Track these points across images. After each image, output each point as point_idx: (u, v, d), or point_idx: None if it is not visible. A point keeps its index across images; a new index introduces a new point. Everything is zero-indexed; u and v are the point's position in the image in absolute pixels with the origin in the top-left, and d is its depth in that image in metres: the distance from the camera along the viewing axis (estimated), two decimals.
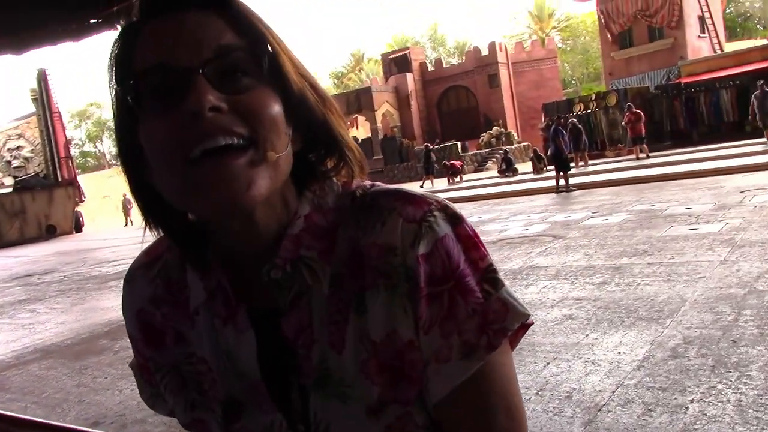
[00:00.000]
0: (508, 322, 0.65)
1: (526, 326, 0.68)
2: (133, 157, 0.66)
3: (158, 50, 0.61)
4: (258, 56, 0.62)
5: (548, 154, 15.53)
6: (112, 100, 0.66)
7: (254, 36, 0.63)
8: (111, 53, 0.65)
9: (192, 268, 0.72)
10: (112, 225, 31.84)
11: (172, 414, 0.80)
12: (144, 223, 0.71)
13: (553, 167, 14.71)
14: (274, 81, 0.64)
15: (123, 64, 0.63)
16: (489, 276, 0.66)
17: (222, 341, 0.70)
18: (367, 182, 0.73)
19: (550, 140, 14.11)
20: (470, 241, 0.67)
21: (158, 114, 0.60)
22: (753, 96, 17.25)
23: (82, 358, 5.70)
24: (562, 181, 13.89)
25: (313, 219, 0.69)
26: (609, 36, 35.16)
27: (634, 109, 19.61)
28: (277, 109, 0.63)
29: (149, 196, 0.68)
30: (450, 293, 0.64)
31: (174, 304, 0.75)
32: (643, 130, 19.22)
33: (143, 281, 0.78)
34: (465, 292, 0.65)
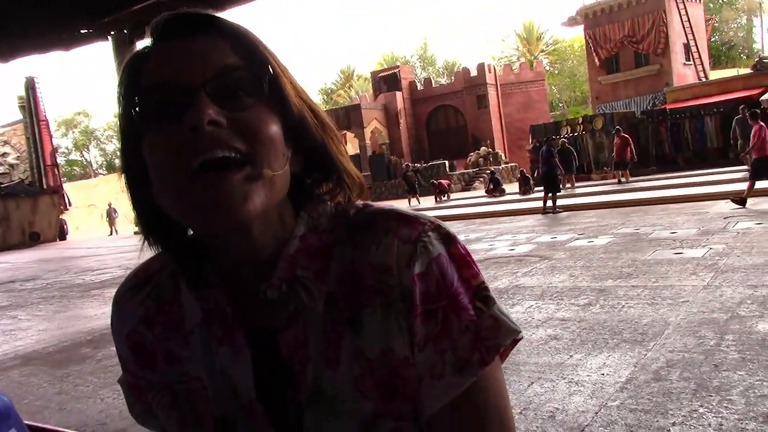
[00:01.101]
0: (500, 339, 0.68)
1: (515, 341, 0.70)
2: (136, 175, 0.68)
3: (164, 70, 0.63)
4: (259, 77, 0.65)
5: (539, 174, 15.56)
6: (119, 118, 0.69)
7: (256, 58, 0.66)
8: (120, 75, 0.68)
9: (188, 288, 0.73)
10: (97, 234, 31.55)
11: (164, 431, 0.80)
12: (144, 241, 0.72)
13: (541, 188, 14.78)
14: (274, 102, 0.66)
15: (130, 85, 0.66)
16: (481, 294, 0.69)
17: (217, 361, 0.71)
18: (360, 202, 0.75)
19: (542, 160, 14.09)
20: (463, 260, 0.69)
21: (161, 130, 0.63)
22: (734, 120, 17.58)
23: (64, 365, 5.64)
24: (549, 203, 13.97)
25: (308, 240, 0.71)
26: (596, 60, 35.70)
27: (622, 134, 19.85)
28: (275, 128, 0.65)
29: (151, 215, 0.69)
30: (444, 311, 0.66)
31: (166, 325, 0.76)
32: (629, 155, 19.42)
33: (132, 303, 0.78)
34: (458, 310, 0.67)
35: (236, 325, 0.70)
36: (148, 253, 0.77)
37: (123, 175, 0.70)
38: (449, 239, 0.69)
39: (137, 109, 0.64)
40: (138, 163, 0.66)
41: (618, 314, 5.08)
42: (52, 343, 6.66)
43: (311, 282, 0.69)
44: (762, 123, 10.79)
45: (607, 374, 3.79)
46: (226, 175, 0.61)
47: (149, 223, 0.71)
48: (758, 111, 11.95)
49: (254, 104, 0.64)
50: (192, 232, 0.73)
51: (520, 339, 0.71)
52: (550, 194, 13.88)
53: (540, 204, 14.48)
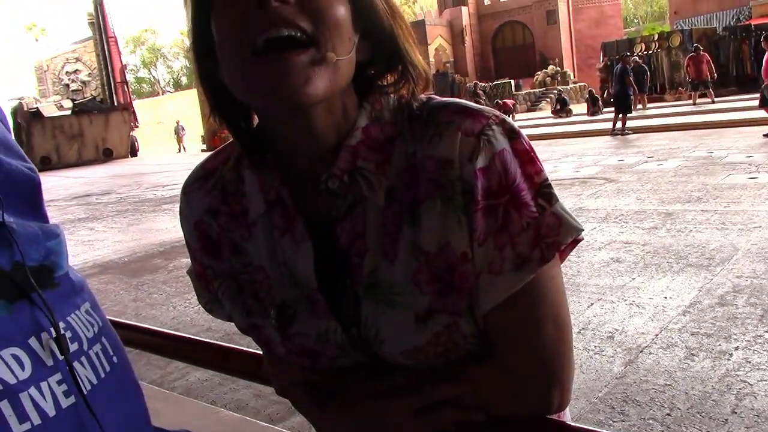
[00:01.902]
0: (561, 236, 0.66)
1: (575, 241, 0.69)
2: (204, 52, 0.67)
3: None
4: None
5: (608, 94, 14.90)
6: None
7: None
8: None
9: (251, 170, 0.74)
10: (166, 151, 32.53)
11: (229, 319, 0.83)
12: (210, 116, 0.72)
13: (610, 109, 14.23)
14: None
15: None
16: (544, 191, 0.67)
17: (279, 251, 0.73)
18: (424, 96, 0.72)
19: (616, 79, 13.50)
20: (527, 156, 0.67)
21: (228, 4, 0.62)
22: None
23: (139, 275, 5.97)
24: (619, 124, 13.48)
25: (370, 131, 0.70)
26: None
27: (702, 51, 18.68)
28: (342, 11, 0.63)
29: (218, 92, 0.69)
30: (505, 207, 0.65)
31: (231, 215, 0.77)
32: (706, 74, 18.31)
33: (200, 193, 0.80)
34: (520, 206, 0.65)
35: (297, 216, 0.71)
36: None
37: (191, 51, 0.70)
38: (513, 134, 0.67)
39: None
40: (207, 39, 0.65)
41: (685, 239, 4.96)
42: (127, 254, 7.03)
43: (372, 174, 0.68)
44: None
45: (670, 298, 3.74)
46: (289, 55, 0.60)
47: (215, 100, 0.71)
48: None
49: None
50: (257, 121, 0.73)
51: (581, 240, 0.69)
52: (620, 115, 13.37)
53: (609, 125, 14.00)
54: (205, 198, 0.79)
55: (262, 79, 0.61)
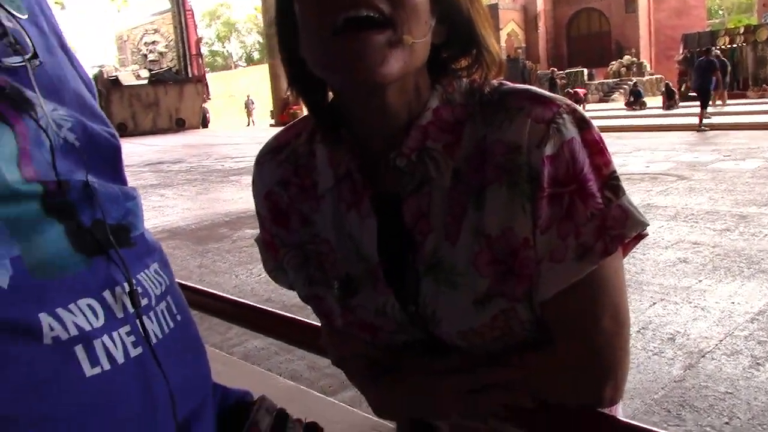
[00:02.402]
0: (626, 229, 0.66)
1: (640, 236, 0.68)
2: (287, 28, 0.70)
3: None
4: None
5: (686, 88, 14.37)
6: None
7: None
8: None
9: (324, 144, 0.77)
10: (235, 124, 33.23)
11: (291, 288, 0.86)
12: (287, 90, 0.76)
13: (689, 103, 13.69)
14: None
15: None
16: (612, 183, 0.67)
17: (346, 225, 0.75)
18: (496, 81, 0.73)
19: (702, 72, 13.08)
20: (596, 147, 0.67)
21: None
22: None
23: (204, 242, 6.16)
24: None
25: (441, 113, 0.71)
26: None
27: None
28: None
29: (297, 67, 0.72)
30: (571, 196, 0.65)
31: (301, 188, 0.80)
32: None
33: (272, 165, 0.83)
34: (586, 196, 0.65)
35: (364, 191, 0.73)
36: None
37: (275, 26, 0.73)
38: (584, 123, 0.67)
39: None
40: (290, 16, 0.68)
41: (758, 243, 4.76)
42: (195, 222, 7.26)
43: (440, 154, 0.70)
44: None
45: (738, 303, 3.61)
46: (367, 35, 0.62)
47: (294, 75, 0.74)
48: None
49: None
50: (332, 98, 0.76)
51: (646, 235, 0.69)
52: (703, 110, 12.88)
53: (685, 120, 13.47)
54: (276, 169, 0.82)
55: (340, 57, 0.63)
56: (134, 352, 0.55)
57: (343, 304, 0.77)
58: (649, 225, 0.68)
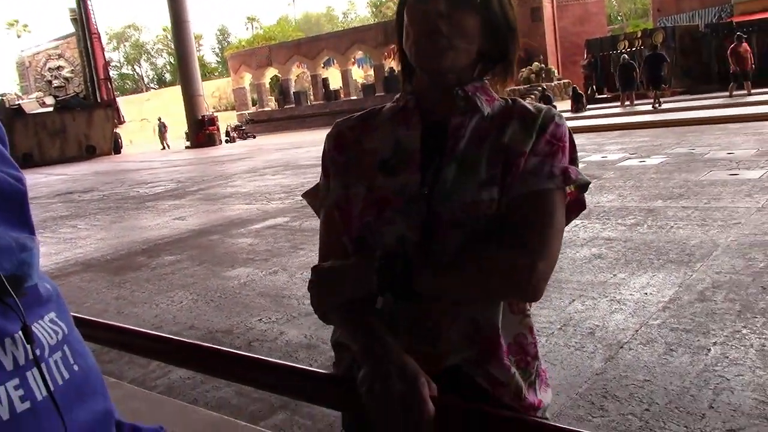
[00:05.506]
0: (578, 177, 1.04)
1: (580, 207, 1.09)
2: (399, 31, 1.09)
3: None
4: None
5: (592, 91, 15.91)
6: None
7: None
8: None
9: (392, 105, 1.14)
10: (149, 148, 32.25)
11: (317, 210, 1.17)
12: (399, 72, 1.18)
13: (599, 105, 14.60)
14: (480, 9, 1.04)
15: None
16: (574, 157, 1.08)
17: (395, 134, 1.10)
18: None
19: (651, 64, 16.68)
20: (572, 142, 1.08)
21: (419, 2, 1.03)
22: None
23: (121, 273, 5.93)
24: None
25: (478, 86, 1.11)
26: None
27: (744, 41, 18.09)
28: (472, 23, 1.03)
29: (403, 54, 1.11)
30: (557, 146, 1.04)
31: (364, 128, 1.15)
32: (750, 65, 17.78)
33: (347, 122, 1.18)
34: (564, 152, 1.05)
35: (416, 112, 1.10)
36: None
37: (396, 31, 1.11)
38: (568, 128, 1.09)
39: None
40: (401, 24, 1.08)
41: (666, 235, 5.01)
42: (110, 252, 6.98)
43: (482, 101, 1.09)
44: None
45: (650, 294, 3.78)
46: (437, 38, 1.03)
47: (401, 59, 1.14)
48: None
49: (467, 8, 1.03)
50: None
51: (584, 209, 1.11)
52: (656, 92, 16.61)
53: (592, 122, 14.06)
54: (348, 122, 1.18)
55: (423, 52, 1.04)
56: (21, 407, 0.52)
57: (372, 184, 1.07)
58: (591, 182, 1.09)
